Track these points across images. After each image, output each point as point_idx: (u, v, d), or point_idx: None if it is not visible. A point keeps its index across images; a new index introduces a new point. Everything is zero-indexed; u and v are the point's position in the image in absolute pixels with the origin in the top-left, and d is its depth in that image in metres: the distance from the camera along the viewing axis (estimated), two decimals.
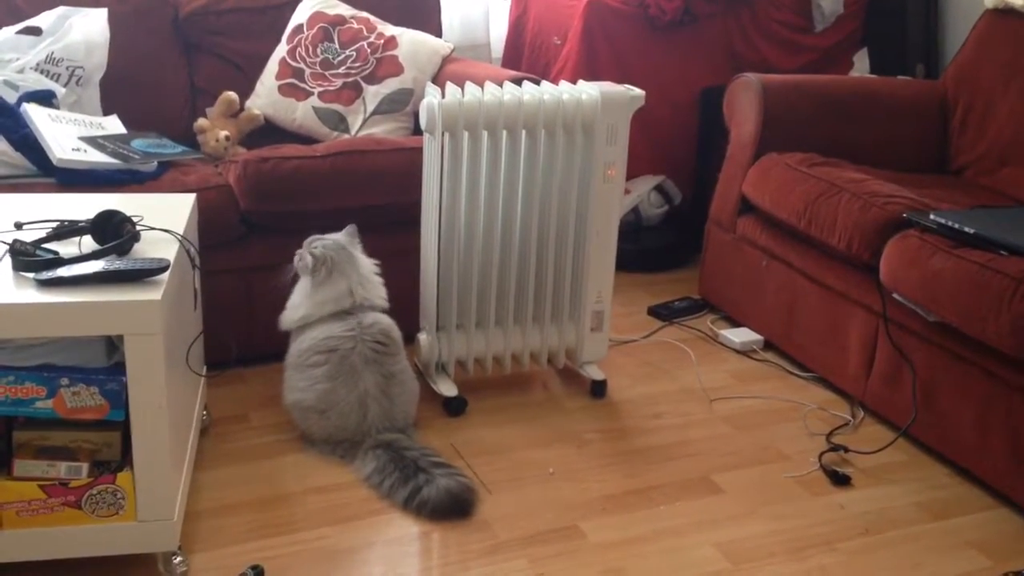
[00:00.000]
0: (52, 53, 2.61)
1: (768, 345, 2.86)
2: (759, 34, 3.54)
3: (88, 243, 1.78)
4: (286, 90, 2.92)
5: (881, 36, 3.66)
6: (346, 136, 2.86)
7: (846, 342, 2.51)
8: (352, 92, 2.91)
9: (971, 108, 2.99)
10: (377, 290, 2.28)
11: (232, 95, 2.85)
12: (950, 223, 2.22)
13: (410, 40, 2.99)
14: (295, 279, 2.28)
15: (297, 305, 2.25)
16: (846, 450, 2.31)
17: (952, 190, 2.71)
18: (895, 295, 2.30)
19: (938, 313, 2.17)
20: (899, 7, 3.60)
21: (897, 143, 2.97)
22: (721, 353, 2.86)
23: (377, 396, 2.17)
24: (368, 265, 2.28)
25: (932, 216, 2.28)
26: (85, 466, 1.68)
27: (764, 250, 2.81)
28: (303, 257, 2.24)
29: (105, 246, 1.73)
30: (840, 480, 2.21)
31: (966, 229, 2.18)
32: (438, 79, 2.96)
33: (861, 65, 3.66)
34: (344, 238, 2.27)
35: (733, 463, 2.28)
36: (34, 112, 2.37)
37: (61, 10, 2.70)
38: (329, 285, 2.21)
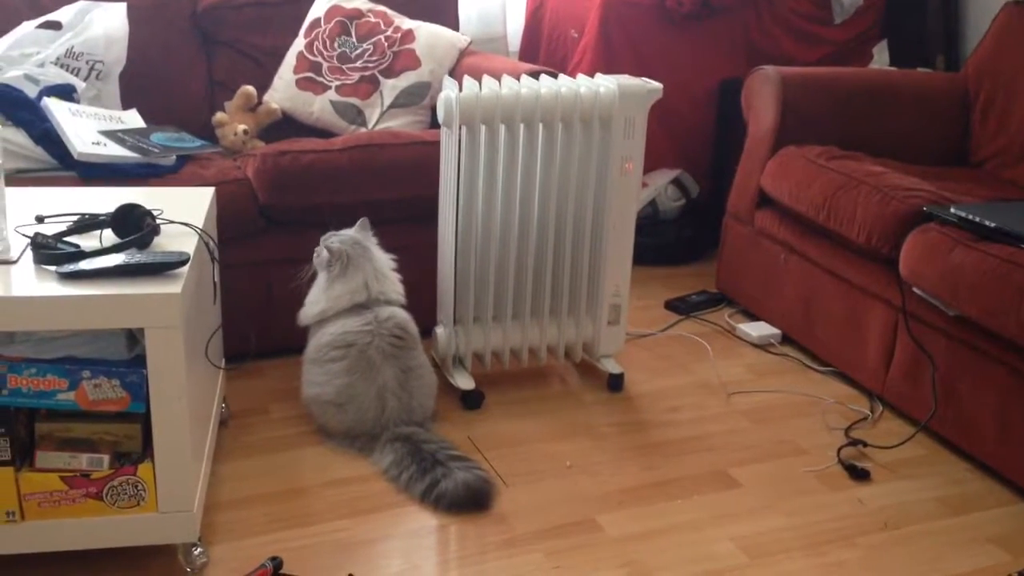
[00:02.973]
0: (72, 47, 2.62)
1: (786, 339, 2.85)
2: (777, 26, 3.52)
3: (109, 236, 1.79)
4: (304, 84, 2.92)
5: (901, 28, 3.63)
6: (363, 130, 2.86)
7: (865, 336, 2.50)
8: (369, 86, 2.91)
9: (992, 100, 2.97)
10: (393, 284, 2.29)
11: (250, 89, 2.87)
12: (971, 216, 2.21)
13: (427, 34, 2.99)
14: (313, 277, 2.29)
15: (315, 301, 2.26)
16: (865, 445, 2.31)
17: (973, 183, 2.69)
18: (915, 289, 2.29)
19: (958, 307, 2.16)
20: None
21: (917, 136, 2.95)
22: (738, 347, 2.85)
23: (395, 390, 2.18)
24: (383, 259, 2.29)
25: (952, 209, 2.26)
26: (106, 458, 1.70)
27: (782, 244, 2.80)
28: (319, 253, 2.25)
29: (125, 239, 1.74)
30: (859, 475, 2.20)
31: (987, 223, 2.17)
32: (455, 72, 2.96)
33: (881, 57, 3.63)
34: (358, 233, 2.27)
35: (750, 457, 2.27)
36: (55, 106, 2.39)
37: (81, 4, 2.72)
38: (344, 279, 2.22)
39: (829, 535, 2.00)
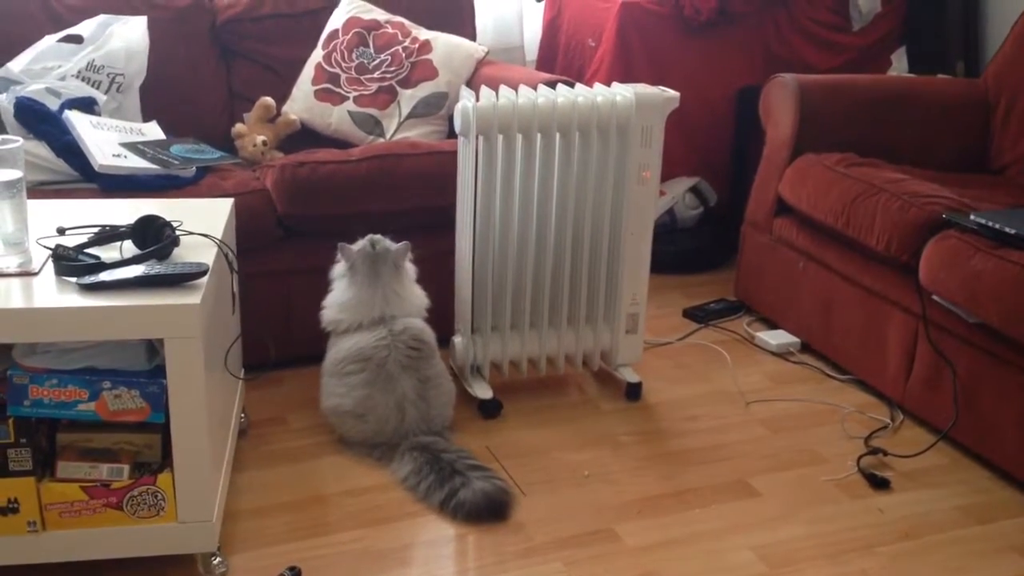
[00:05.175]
0: (93, 60, 2.65)
1: (805, 347, 2.84)
2: (796, 33, 3.51)
3: (129, 248, 1.81)
4: (322, 95, 2.94)
5: (920, 34, 3.61)
6: (381, 140, 2.88)
7: (885, 344, 2.49)
8: (387, 96, 2.92)
9: (1012, 106, 2.94)
10: (407, 302, 2.27)
11: (269, 100, 2.88)
12: (990, 223, 2.19)
13: (444, 44, 3.00)
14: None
15: (329, 304, 2.28)
16: (885, 453, 2.29)
17: (993, 190, 2.67)
18: (935, 296, 2.28)
19: (978, 314, 2.14)
20: (938, 5, 3.55)
21: (937, 142, 2.93)
22: (757, 355, 2.84)
23: (414, 400, 2.18)
24: (401, 283, 2.28)
25: (972, 216, 2.25)
26: (126, 468, 1.71)
27: (801, 251, 2.78)
28: (342, 249, 2.27)
29: (145, 251, 1.76)
30: (879, 483, 2.18)
31: (1007, 229, 2.15)
32: (472, 82, 2.97)
33: (899, 64, 3.61)
34: (390, 251, 2.26)
35: (770, 466, 2.26)
36: (76, 119, 2.41)
37: (102, 18, 2.74)
38: (347, 290, 2.25)
39: (849, 544, 1.98)
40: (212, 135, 2.83)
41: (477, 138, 2.27)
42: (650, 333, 2.90)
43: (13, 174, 1.68)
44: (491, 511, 2.02)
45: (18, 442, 1.65)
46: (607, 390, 2.60)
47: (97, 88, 2.63)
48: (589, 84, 2.52)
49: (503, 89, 2.34)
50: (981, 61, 3.54)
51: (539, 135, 2.31)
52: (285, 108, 2.95)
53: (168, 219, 1.84)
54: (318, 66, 2.97)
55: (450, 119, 2.87)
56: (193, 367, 1.64)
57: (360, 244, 2.27)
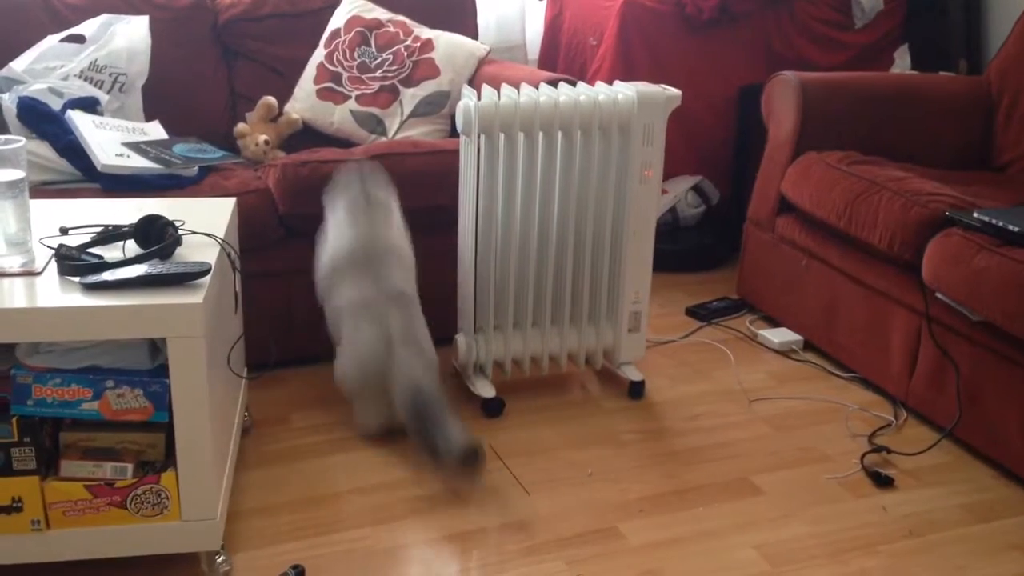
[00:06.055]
0: (96, 60, 2.65)
1: (808, 345, 2.84)
2: (798, 31, 3.51)
3: (131, 247, 1.81)
4: (324, 94, 2.94)
5: (922, 32, 3.61)
6: (383, 139, 2.88)
7: (888, 342, 2.49)
8: (389, 95, 2.92)
9: (1015, 103, 2.94)
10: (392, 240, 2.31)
11: (271, 100, 2.89)
12: (994, 221, 2.19)
13: (446, 43, 3.00)
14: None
15: (319, 254, 2.31)
16: (888, 451, 2.29)
17: (996, 187, 2.67)
18: (938, 294, 2.28)
19: (982, 312, 2.14)
20: (940, 2, 3.55)
21: (940, 140, 2.93)
22: (760, 353, 2.84)
23: (396, 314, 2.20)
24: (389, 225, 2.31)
25: (975, 214, 2.25)
26: (130, 467, 1.71)
27: (803, 250, 2.78)
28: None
29: (148, 250, 1.76)
30: (882, 482, 2.18)
31: (1010, 227, 2.15)
32: (474, 81, 2.97)
33: (902, 62, 3.61)
34: (380, 201, 2.30)
35: (773, 464, 2.26)
36: (79, 119, 2.41)
37: (104, 18, 2.75)
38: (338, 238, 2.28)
39: (852, 543, 1.98)
40: (214, 135, 2.83)
41: (479, 137, 2.27)
42: (653, 331, 2.90)
43: (16, 174, 1.68)
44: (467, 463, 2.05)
45: (22, 441, 1.65)
46: (610, 388, 2.60)
47: (99, 88, 2.64)
48: (591, 83, 2.52)
49: (505, 88, 2.34)
50: (984, 58, 3.54)
51: (541, 134, 2.31)
52: (287, 107, 2.95)
53: (171, 218, 1.84)
54: (320, 65, 2.97)
55: (452, 118, 2.87)
56: (196, 366, 1.64)
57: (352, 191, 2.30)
